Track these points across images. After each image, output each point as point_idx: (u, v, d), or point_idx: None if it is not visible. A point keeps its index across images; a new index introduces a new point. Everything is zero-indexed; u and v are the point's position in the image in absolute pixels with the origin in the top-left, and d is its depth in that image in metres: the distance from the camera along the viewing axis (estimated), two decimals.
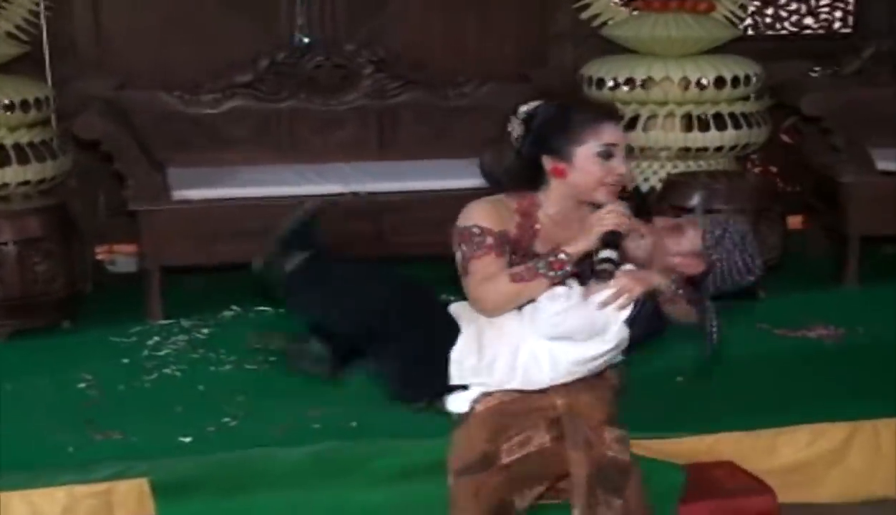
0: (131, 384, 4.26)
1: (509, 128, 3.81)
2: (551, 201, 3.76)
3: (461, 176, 5.29)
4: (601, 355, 3.64)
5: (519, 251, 3.73)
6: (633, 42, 5.76)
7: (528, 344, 3.65)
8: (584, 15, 6.05)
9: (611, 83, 5.63)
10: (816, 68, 6.03)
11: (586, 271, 3.66)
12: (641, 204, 4.05)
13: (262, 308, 5.07)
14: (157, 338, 4.74)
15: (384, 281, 3.90)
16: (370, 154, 5.68)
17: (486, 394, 3.67)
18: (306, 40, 5.76)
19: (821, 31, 6.45)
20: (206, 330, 4.84)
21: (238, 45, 5.74)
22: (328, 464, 3.59)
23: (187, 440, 3.75)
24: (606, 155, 3.65)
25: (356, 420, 3.87)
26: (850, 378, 4.26)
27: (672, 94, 5.58)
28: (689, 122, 5.58)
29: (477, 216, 3.74)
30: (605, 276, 3.54)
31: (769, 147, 5.94)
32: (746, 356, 4.46)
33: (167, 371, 4.39)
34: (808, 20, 6.42)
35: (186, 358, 4.53)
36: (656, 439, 3.78)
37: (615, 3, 6.09)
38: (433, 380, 3.77)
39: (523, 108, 3.79)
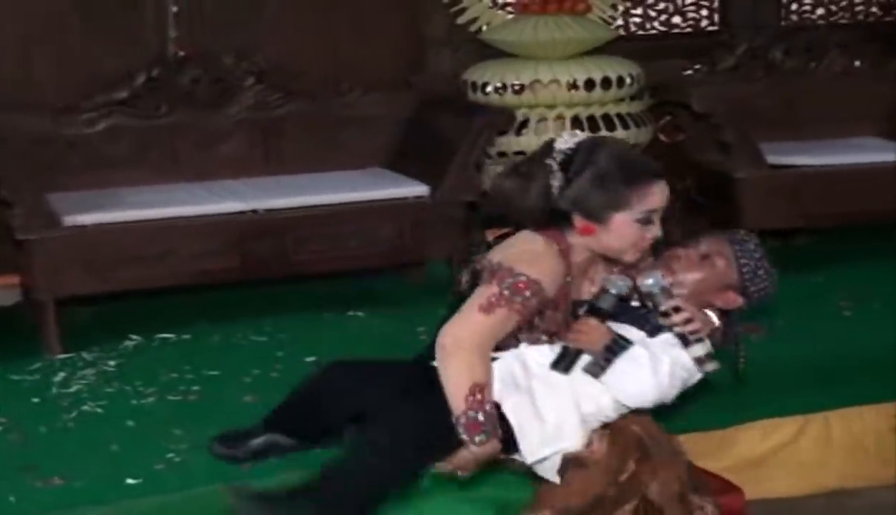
0: (52, 424, 3.98)
1: (546, 169, 3.30)
2: (576, 250, 3.35)
3: (359, 188, 5.20)
4: None
5: (556, 303, 3.31)
6: (516, 45, 5.70)
7: (586, 391, 3.27)
8: (461, 19, 5.96)
9: (498, 87, 5.58)
10: (697, 66, 6.09)
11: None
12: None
13: (164, 335, 4.84)
14: (62, 374, 4.45)
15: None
16: (256, 169, 5.46)
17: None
18: (182, 54, 5.52)
19: (689, 30, 6.51)
20: (112, 362, 4.57)
21: (106, 61, 5.45)
22: None
23: (136, 481, 3.52)
24: (646, 221, 3.29)
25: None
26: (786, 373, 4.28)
27: (560, 97, 5.55)
28: (578, 124, 5.56)
29: (543, 269, 3.24)
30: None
31: (650, 146, 5.96)
32: None
33: (86, 407, 4.13)
34: (676, 19, 6.48)
35: (102, 392, 4.26)
36: None
37: (491, 6, 6.02)
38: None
39: (560, 146, 3.34)
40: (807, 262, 5.57)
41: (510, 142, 5.52)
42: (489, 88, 5.61)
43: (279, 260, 4.94)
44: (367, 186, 5.18)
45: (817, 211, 5.47)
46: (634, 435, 3.32)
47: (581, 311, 3.30)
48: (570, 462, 3.26)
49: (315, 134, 5.57)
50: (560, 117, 5.56)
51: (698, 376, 3.28)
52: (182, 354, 4.63)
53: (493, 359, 3.26)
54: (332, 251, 4.99)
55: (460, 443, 3.17)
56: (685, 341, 3.23)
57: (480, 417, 3.14)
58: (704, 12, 6.51)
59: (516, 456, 3.30)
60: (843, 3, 6.66)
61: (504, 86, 5.58)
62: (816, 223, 5.66)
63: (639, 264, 3.37)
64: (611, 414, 3.30)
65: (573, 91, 5.55)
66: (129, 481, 3.52)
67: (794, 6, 6.60)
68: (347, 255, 5.02)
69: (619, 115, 5.60)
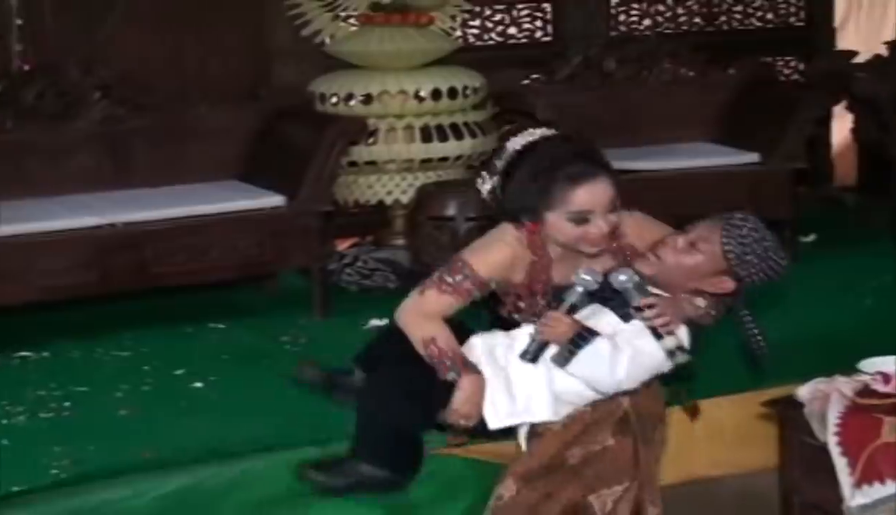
0: None
1: (493, 170, 3.59)
2: (549, 240, 3.55)
3: (217, 199, 5.19)
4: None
5: (530, 289, 3.57)
6: (362, 56, 5.79)
7: (558, 375, 3.43)
8: (306, 31, 6.01)
9: (344, 98, 5.65)
10: (534, 76, 6.26)
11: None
12: None
13: (23, 353, 4.75)
14: None
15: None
16: (107, 183, 5.37)
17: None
18: (27, 67, 5.43)
19: (524, 41, 6.68)
20: None
21: None
22: (176, 510, 3.46)
23: None
24: (579, 220, 3.45)
25: (206, 453, 3.72)
26: None
27: (408, 107, 5.66)
28: (427, 134, 5.67)
29: (487, 257, 3.53)
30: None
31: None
32: None
33: None
34: (512, 30, 6.65)
35: None
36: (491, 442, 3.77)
37: (334, 18, 6.08)
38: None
39: (509, 147, 3.57)
40: None
41: (361, 152, 5.60)
42: (336, 99, 5.68)
43: (138, 274, 4.90)
44: (224, 198, 5.17)
45: (656, 214, 5.65)
46: (620, 411, 3.47)
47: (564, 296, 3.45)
48: (531, 433, 3.49)
49: (165, 147, 5.51)
50: (409, 127, 5.66)
51: (668, 365, 3.39)
52: (45, 372, 4.56)
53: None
54: (192, 263, 4.97)
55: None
56: (656, 333, 3.35)
57: (445, 361, 3.45)
58: (539, 24, 6.69)
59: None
60: (668, 15, 6.93)
61: (352, 97, 5.66)
62: None
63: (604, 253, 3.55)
64: (587, 395, 3.46)
65: (420, 101, 5.66)
66: None
67: (622, 17, 6.85)
68: (207, 267, 5.01)
69: (465, 124, 5.74)
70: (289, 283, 5.57)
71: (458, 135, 5.70)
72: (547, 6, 6.69)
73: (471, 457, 3.68)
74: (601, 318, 3.42)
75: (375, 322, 5.02)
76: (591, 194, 3.45)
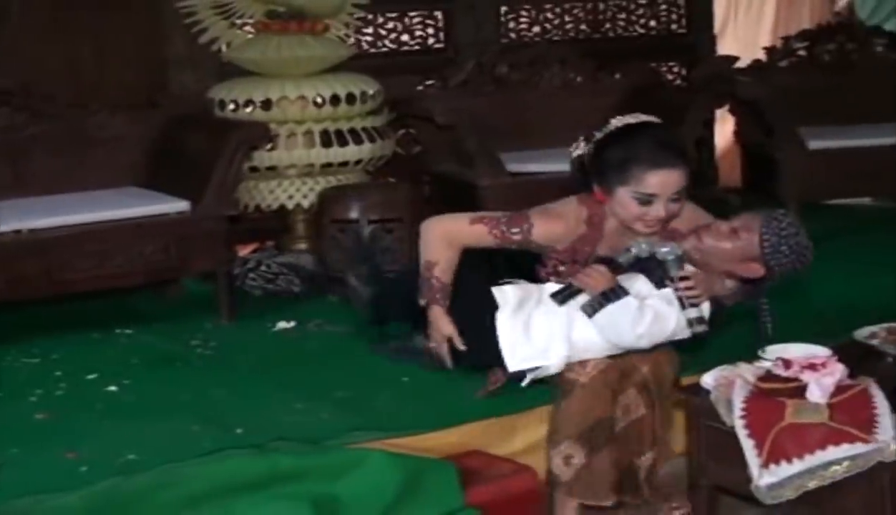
0: None
1: (591, 139, 4.08)
2: (608, 217, 4.04)
3: (121, 205, 5.20)
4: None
5: (573, 257, 4.05)
6: (259, 63, 5.84)
7: (580, 324, 3.85)
8: (202, 39, 6.05)
9: (243, 104, 5.71)
10: (429, 81, 6.37)
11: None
12: None
13: None
14: None
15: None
16: (6, 191, 5.33)
17: (581, 364, 3.84)
18: None
19: (417, 47, 6.79)
20: None
21: None
22: (104, 507, 3.46)
23: None
24: (645, 201, 3.90)
25: (130, 452, 3.76)
26: None
27: (308, 112, 5.73)
28: (327, 139, 5.75)
29: (548, 223, 4.06)
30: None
31: (392, 158, 6.20)
32: None
33: None
34: (405, 37, 6.75)
35: None
36: (409, 436, 3.89)
37: (231, 26, 6.13)
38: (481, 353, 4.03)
39: (613, 123, 4.06)
40: None
41: (262, 157, 5.66)
42: (236, 105, 5.73)
43: (44, 281, 4.90)
44: (129, 203, 5.18)
45: None
46: (639, 376, 3.84)
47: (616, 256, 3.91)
48: (563, 391, 3.82)
49: (64, 154, 5.50)
50: (309, 132, 5.73)
51: (686, 334, 3.84)
52: None
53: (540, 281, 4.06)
54: (98, 269, 4.98)
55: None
56: (682, 303, 3.79)
57: (426, 286, 4.05)
58: (431, 31, 6.81)
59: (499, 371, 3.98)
60: (556, 21, 7.10)
61: (251, 103, 5.72)
62: None
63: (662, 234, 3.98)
64: (600, 347, 3.85)
65: (319, 107, 5.74)
66: None
67: (511, 24, 7.00)
68: (113, 273, 5.02)
69: (364, 129, 5.82)
70: (191, 289, 5.60)
71: (357, 140, 5.78)
72: (438, 14, 6.81)
73: (393, 451, 3.74)
74: (636, 281, 3.86)
75: (283, 324, 5.08)
76: (662, 180, 3.90)
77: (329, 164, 5.75)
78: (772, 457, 3.30)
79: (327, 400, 4.22)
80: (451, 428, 4.00)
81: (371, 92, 5.85)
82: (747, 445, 3.36)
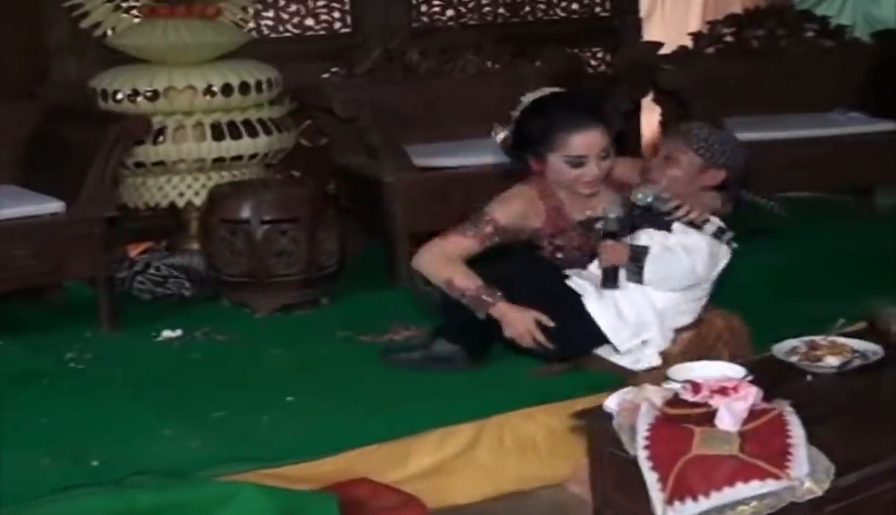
0: None
1: (493, 133, 4.16)
2: (553, 187, 4.12)
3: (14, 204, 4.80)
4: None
5: (555, 232, 4.13)
6: (146, 50, 5.44)
7: (647, 291, 3.96)
8: (85, 24, 5.63)
9: (129, 94, 5.32)
10: (334, 69, 6.00)
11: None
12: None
13: None
14: None
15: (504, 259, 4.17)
16: None
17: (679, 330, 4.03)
18: None
19: (322, 32, 6.41)
20: None
21: None
22: None
23: None
24: (576, 164, 4.01)
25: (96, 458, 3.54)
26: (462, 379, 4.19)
27: (198, 103, 5.34)
28: (219, 131, 5.36)
29: (501, 208, 4.08)
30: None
31: (293, 151, 5.82)
32: (349, 367, 4.36)
33: None
34: (309, 21, 6.37)
35: None
36: (290, 465, 3.58)
37: (114, 10, 5.72)
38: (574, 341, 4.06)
39: (524, 99, 4.12)
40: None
41: (148, 152, 5.27)
42: (120, 96, 5.35)
43: None
44: (19, 203, 4.79)
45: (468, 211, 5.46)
46: (718, 328, 4.08)
47: (597, 226, 4.06)
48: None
49: None
50: (199, 124, 5.35)
51: (723, 246, 3.97)
52: None
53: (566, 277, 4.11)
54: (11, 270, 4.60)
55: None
56: (696, 226, 3.92)
57: (465, 301, 4.01)
58: (337, 14, 6.42)
59: (600, 351, 4.05)
60: (472, 5, 6.73)
61: (136, 93, 5.32)
62: None
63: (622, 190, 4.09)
64: (679, 300, 4.00)
65: (210, 97, 5.36)
66: None
67: (423, 8, 6.63)
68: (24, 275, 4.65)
69: (260, 121, 5.45)
70: (75, 294, 5.21)
71: (253, 133, 5.40)
72: None
73: (267, 485, 3.41)
74: (642, 236, 3.95)
75: (168, 333, 4.72)
76: (587, 141, 4.00)
77: (221, 159, 5.36)
78: (676, 494, 2.96)
79: (202, 422, 3.86)
80: (337, 453, 3.68)
81: (268, 80, 5.47)
82: (651, 479, 3.03)
